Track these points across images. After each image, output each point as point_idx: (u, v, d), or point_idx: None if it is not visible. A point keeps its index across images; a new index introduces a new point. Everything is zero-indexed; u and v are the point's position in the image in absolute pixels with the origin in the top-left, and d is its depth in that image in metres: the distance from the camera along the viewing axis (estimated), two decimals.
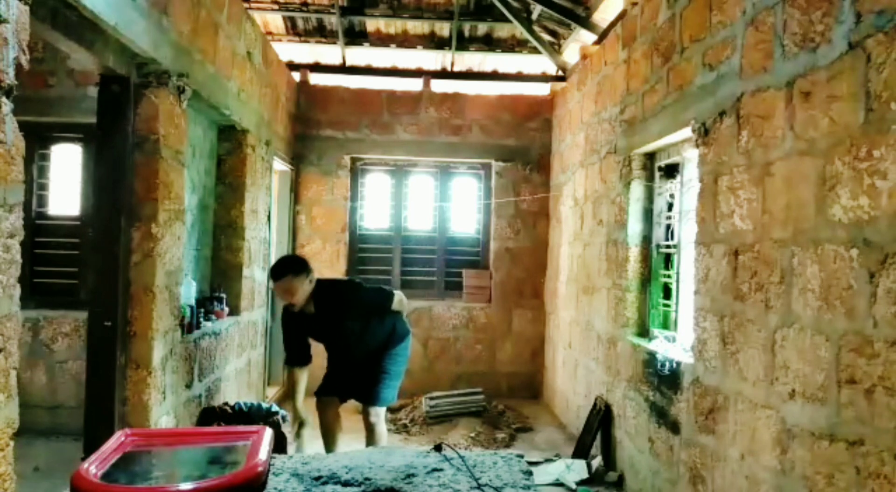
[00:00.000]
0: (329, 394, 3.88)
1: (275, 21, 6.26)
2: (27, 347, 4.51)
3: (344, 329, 3.74)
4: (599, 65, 4.88)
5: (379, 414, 3.85)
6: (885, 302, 1.82)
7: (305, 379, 3.87)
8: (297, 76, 6.42)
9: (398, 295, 3.93)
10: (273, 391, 5.84)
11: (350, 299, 3.73)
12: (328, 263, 6.36)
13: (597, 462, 4.16)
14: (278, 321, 6.25)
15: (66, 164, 4.86)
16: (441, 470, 1.74)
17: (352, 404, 6.11)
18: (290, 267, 3.59)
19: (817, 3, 2.17)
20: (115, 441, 1.64)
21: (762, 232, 2.50)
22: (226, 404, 4.10)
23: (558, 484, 4.01)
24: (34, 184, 4.71)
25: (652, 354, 3.60)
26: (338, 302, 3.69)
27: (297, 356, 3.79)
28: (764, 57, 2.52)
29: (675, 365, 3.30)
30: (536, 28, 6.12)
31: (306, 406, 3.83)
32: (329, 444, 3.90)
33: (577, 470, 4.13)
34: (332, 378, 3.93)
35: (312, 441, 4.89)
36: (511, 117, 6.56)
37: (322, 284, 3.72)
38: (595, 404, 4.47)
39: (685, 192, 3.74)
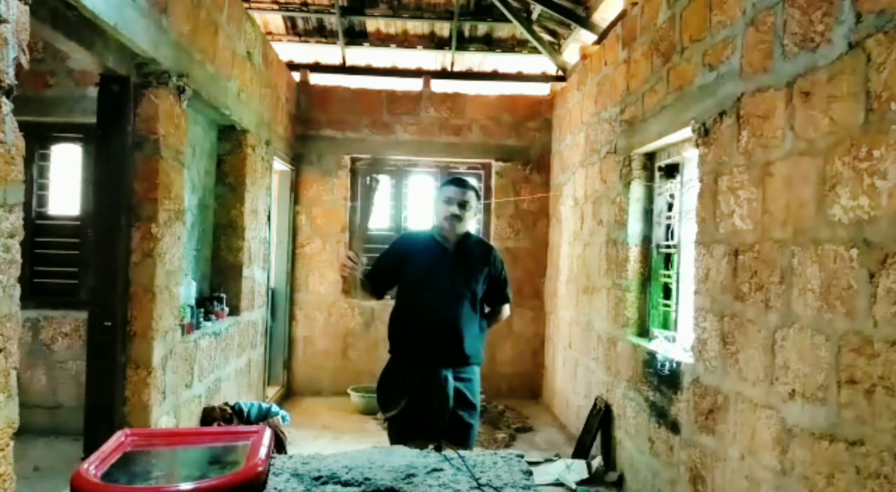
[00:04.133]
0: (413, 437, 2.79)
1: (275, 21, 6.26)
2: (27, 347, 4.50)
3: (457, 281, 3.09)
4: (599, 65, 4.88)
5: None
6: (885, 302, 1.82)
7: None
8: (297, 76, 6.42)
9: (509, 308, 3.38)
10: (273, 391, 5.84)
11: (494, 257, 3.22)
12: (328, 263, 6.35)
13: (597, 462, 4.16)
14: (278, 321, 6.29)
15: (66, 164, 4.85)
16: (441, 470, 1.74)
17: (352, 403, 6.09)
18: (475, 187, 3.19)
19: (817, 3, 2.17)
20: (115, 441, 1.64)
21: (762, 232, 2.50)
22: (226, 403, 4.11)
23: (558, 484, 4.01)
24: (34, 184, 4.70)
25: (652, 354, 3.60)
26: (480, 249, 3.23)
27: (378, 280, 3.14)
28: (764, 57, 2.52)
29: (674, 365, 3.30)
30: (536, 28, 6.12)
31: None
32: None
33: (577, 470, 4.13)
34: (409, 407, 2.92)
35: (312, 442, 4.89)
36: (511, 117, 6.56)
37: (471, 234, 3.26)
38: (595, 404, 4.47)
39: (685, 192, 3.74)
